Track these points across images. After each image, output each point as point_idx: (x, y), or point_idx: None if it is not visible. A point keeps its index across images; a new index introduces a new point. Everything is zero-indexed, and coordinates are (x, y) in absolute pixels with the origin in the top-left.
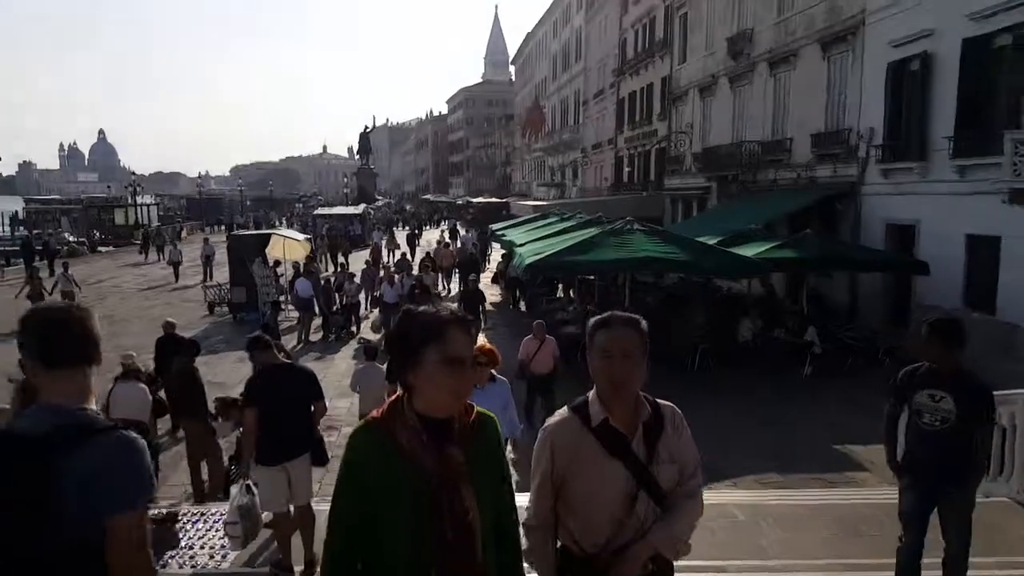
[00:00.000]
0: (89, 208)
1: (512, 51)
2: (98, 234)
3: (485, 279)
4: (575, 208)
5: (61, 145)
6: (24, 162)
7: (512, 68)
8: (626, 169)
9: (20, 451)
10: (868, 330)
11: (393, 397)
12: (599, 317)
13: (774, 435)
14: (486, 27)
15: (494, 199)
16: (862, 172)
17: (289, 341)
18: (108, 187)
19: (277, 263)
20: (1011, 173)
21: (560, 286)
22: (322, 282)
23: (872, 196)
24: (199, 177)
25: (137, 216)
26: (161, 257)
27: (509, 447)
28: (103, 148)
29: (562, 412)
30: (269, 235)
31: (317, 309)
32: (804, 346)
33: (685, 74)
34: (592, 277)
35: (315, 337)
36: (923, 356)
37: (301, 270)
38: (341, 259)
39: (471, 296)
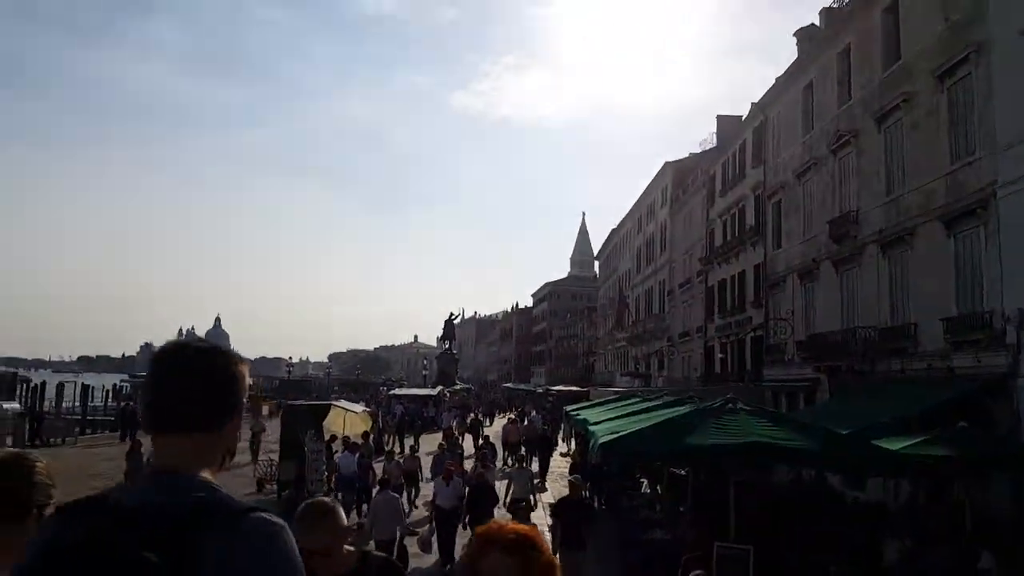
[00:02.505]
0: None
1: (596, 250)
2: None
3: (557, 464)
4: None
5: (180, 330)
6: (144, 344)
7: (596, 264)
8: (718, 356)
9: (165, 532)
10: None
11: None
12: None
13: None
14: (573, 233)
15: (574, 387)
16: (1015, 361)
17: None
18: None
19: (333, 438)
20: None
21: (645, 481)
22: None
23: None
24: (288, 361)
25: None
26: None
27: None
28: (217, 333)
29: None
30: (328, 406)
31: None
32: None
33: (782, 259)
34: (684, 472)
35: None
36: None
37: (346, 444)
38: (411, 441)
39: (574, 510)
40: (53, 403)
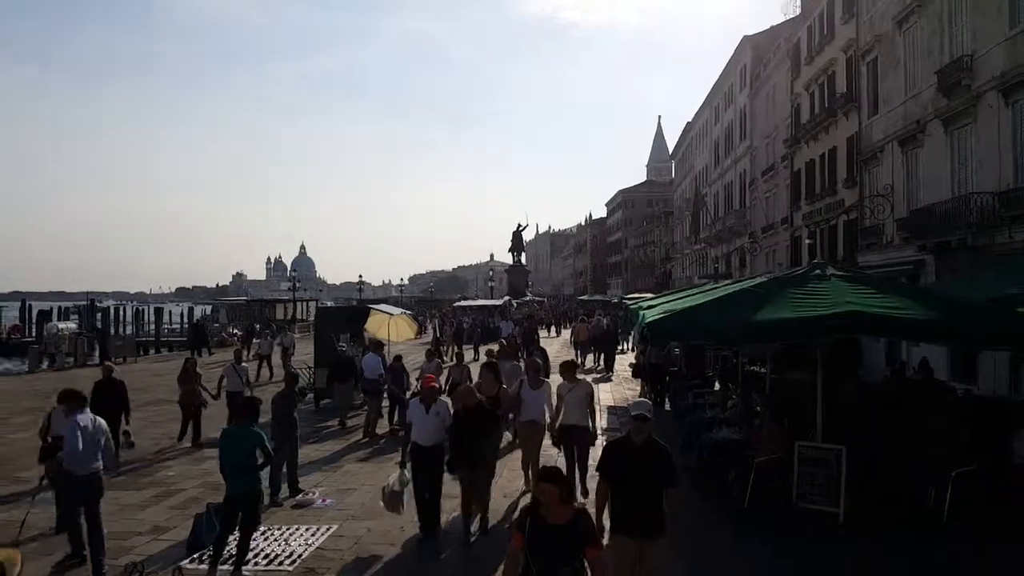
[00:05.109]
0: (251, 303)
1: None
2: (259, 327)
3: (621, 367)
4: None
5: (268, 259)
6: (236, 273)
7: (672, 165)
8: (806, 243)
9: None
10: None
11: None
12: None
13: None
14: (649, 140)
15: (648, 294)
16: None
17: (355, 433)
18: (288, 289)
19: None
20: None
21: (717, 379)
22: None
23: None
24: (360, 280)
25: (294, 312)
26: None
27: None
28: (303, 261)
29: None
30: (367, 310)
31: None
32: None
33: (879, 127)
34: (763, 369)
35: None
36: None
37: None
38: (468, 350)
39: (640, 465)
40: (132, 327)
